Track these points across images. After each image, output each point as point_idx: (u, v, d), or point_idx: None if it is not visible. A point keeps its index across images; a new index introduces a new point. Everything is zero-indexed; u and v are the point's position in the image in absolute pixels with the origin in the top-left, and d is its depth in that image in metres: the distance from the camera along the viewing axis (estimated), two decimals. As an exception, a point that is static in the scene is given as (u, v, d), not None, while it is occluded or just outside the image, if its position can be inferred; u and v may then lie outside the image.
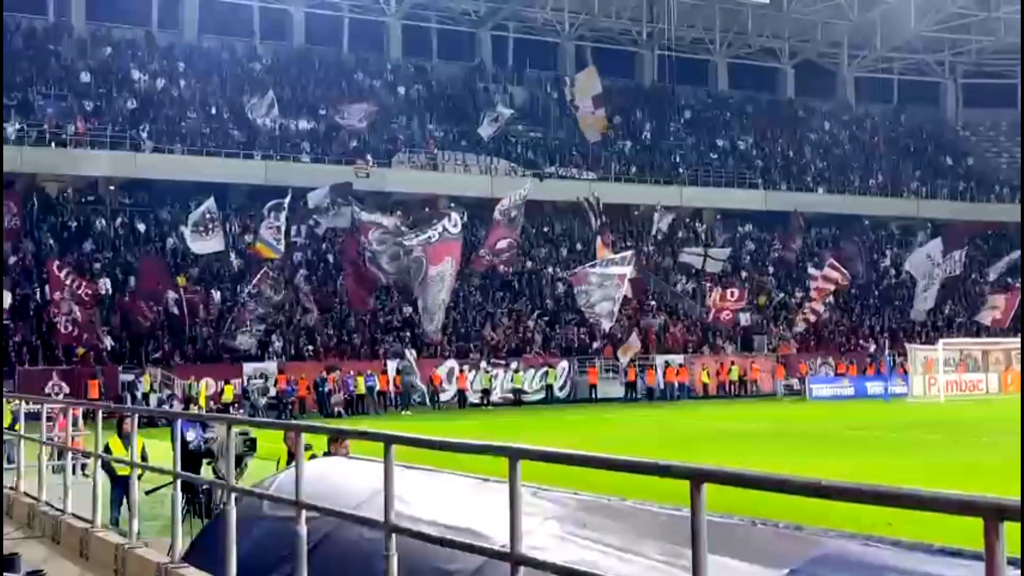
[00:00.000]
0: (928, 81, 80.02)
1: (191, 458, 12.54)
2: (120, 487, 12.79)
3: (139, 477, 10.60)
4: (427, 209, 53.83)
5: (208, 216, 45.44)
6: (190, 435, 12.93)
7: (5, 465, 14.92)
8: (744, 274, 60.95)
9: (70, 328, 40.12)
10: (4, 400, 18.41)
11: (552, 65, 70.53)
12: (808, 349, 55.10)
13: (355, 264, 45.06)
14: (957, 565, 4.24)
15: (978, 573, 3.00)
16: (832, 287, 52.10)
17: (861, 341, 57.21)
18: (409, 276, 42.46)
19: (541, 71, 69.68)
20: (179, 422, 9.51)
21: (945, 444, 25.60)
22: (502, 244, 48.80)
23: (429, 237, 41.55)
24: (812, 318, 52.66)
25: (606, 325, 47.73)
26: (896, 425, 32.35)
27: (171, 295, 43.78)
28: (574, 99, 60.14)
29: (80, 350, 41.06)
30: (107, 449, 13.11)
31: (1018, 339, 48.90)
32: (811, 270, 52.91)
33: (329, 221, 50.50)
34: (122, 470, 12.27)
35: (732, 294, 51.85)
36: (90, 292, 40.89)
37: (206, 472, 13.19)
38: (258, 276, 43.36)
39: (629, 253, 49.42)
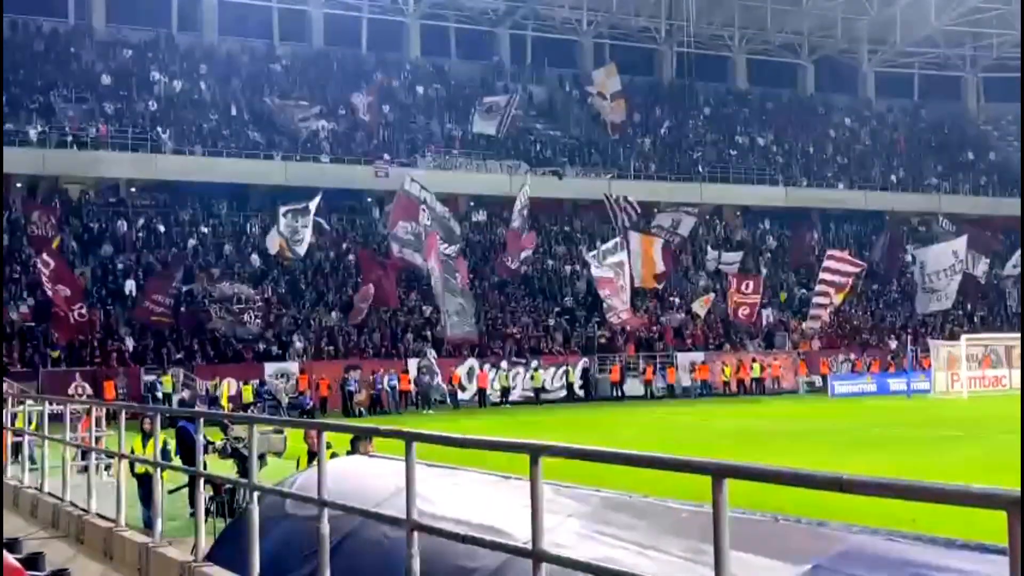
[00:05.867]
0: (949, 76, 79.51)
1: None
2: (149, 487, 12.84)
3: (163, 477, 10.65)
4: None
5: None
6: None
7: (29, 466, 15.04)
8: (764, 271, 60.84)
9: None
10: (26, 401, 18.55)
11: (571, 63, 70.47)
12: (830, 346, 54.90)
13: (381, 263, 45.69)
14: (981, 560, 4.22)
15: (1003, 567, 2.98)
16: (850, 280, 51.95)
17: (883, 337, 56.95)
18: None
19: (560, 69, 69.63)
20: (200, 422, 9.55)
21: (968, 440, 25.44)
22: (526, 252, 49.89)
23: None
24: (827, 314, 52.55)
25: (624, 316, 48.47)
26: (919, 422, 32.19)
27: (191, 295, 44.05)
28: (597, 93, 60.11)
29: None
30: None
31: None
32: (823, 275, 52.21)
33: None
34: (140, 469, 12.33)
35: (747, 286, 51.68)
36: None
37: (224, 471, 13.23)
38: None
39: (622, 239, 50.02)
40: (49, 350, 41.12)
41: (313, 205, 46.25)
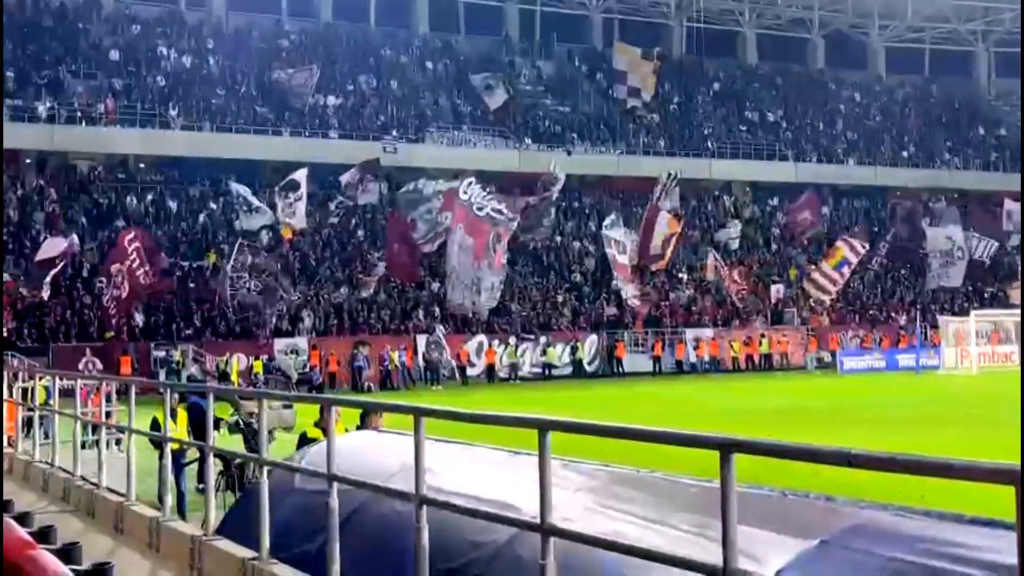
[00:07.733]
0: (960, 51, 78.99)
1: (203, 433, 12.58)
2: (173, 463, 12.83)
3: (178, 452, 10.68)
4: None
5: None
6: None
7: (40, 440, 15.10)
8: (774, 247, 60.74)
9: (112, 304, 40.42)
10: (37, 376, 18.62)
11: (580, 38, 70.15)
12: (840, 322, 54.82)
13: (403, 236, 45.49)
14: (990, 535, 4.23)
15: (1011, 542, 2.98)
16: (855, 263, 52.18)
17: (892, 313, 56.85)
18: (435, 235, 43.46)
19: (569, 44, 69.31)
20: (210, 397, 9.59)
21: (977, 417, 25.35)
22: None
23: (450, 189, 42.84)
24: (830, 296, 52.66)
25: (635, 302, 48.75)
26: (927, 398, 32.16)
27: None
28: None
29: (109, 334, 41.10)
30: (156, 426, 13.09)
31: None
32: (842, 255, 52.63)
33: (360, 198, 50.81)
34: (173, 445, 12.34)
35: (739, 274, 52.11)
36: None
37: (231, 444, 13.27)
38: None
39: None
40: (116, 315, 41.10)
41: (301, 177, 46.43)
